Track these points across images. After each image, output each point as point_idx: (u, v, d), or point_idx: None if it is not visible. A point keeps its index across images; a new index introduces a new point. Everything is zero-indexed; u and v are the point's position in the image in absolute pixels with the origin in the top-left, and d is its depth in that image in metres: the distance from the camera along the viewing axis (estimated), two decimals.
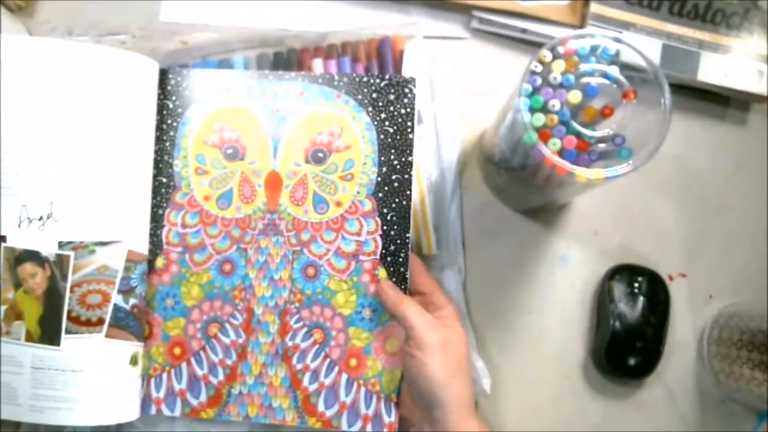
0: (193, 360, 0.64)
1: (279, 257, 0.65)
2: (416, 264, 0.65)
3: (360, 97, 0.65)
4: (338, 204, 0.65)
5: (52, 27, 0.75)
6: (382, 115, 0.65)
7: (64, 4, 0.75)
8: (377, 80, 0.65)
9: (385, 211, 0.64)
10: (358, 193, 0.65)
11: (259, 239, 0.65)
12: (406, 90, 0.65)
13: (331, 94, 0.66)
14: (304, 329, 0.64)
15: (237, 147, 0.65)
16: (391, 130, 0.65)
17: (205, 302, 0.65)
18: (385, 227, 0.64)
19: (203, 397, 0.64)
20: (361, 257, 0.64)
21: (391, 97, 0.65)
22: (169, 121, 0.66)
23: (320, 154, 0.65)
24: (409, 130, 0.65)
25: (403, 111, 0.65)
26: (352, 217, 0.64)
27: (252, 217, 0.65)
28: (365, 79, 0.66)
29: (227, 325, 0.64)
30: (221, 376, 0.64)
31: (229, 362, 0.64)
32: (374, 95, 0.65)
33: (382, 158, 0.65)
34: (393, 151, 0.65)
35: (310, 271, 0.64)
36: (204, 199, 0.65)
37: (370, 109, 0.65)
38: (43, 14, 0.75)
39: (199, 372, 0.64)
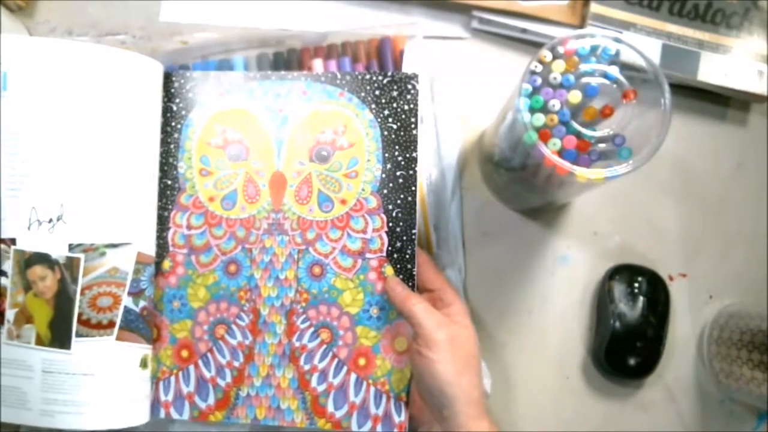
0: (200, 362, 0.67)
1: (284, 257, 0.67)
2: (424, 260, 0.67)
3: (363, 94, 0.68)
4: (343, 202, 0.67)
5: (52, 27, 0.77)
6: (386, 112, 0.68)
7: (64, 4, 0.78)
8: (380, 77, 0.68)
9: (390, 207, 0.67)
10: (363, 190, 0.67)
11: (264, 239, 0.67)
12: (409, 86, 0.68)
13: (334, 92, 0.68)
14: (311, 329, 0.66)
15: (241, 147, 0.68)
16: (394, 127, 0.68)
17: (211, 304, 0.67)
18: (390, 224, 0.67)
19: (211, 400, 0.66)
20: (368, 255, 0.67)
21: (394, 93, 0.68)
22: (173, 123, 0.69)
23: (324, 153, 0.68)
24: (412, 126, 0.67)
25: (406, 107, 0.68)
26: (357, 214, 0.67)
27: (256, 217, 0.67)
28: (368, 76, 0.68)
29: (234, 327, 0.67)
30: (229, 378, 0.66)
31: (236, 364, 0.66)
32: (377, 92, 0.68)
33: (386, 155, 0.67)
34: (397, 147, 0.67)
35: (316, 270, 0.67)
36: (209, 200, 0.68)
37: (373, 106, 0.68)
38: (43, 14, 0.78)
39: (207, 374, 0.67)
